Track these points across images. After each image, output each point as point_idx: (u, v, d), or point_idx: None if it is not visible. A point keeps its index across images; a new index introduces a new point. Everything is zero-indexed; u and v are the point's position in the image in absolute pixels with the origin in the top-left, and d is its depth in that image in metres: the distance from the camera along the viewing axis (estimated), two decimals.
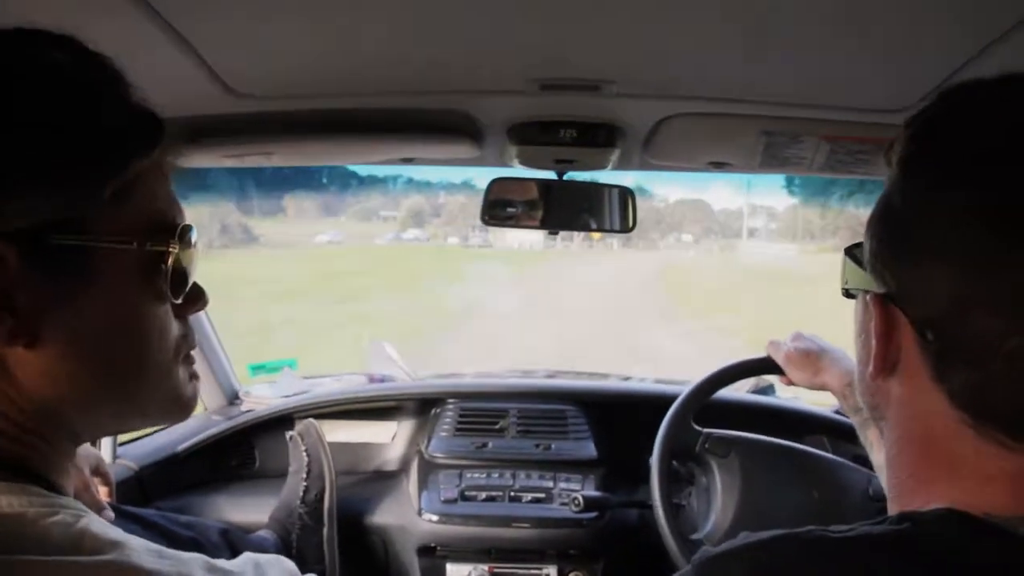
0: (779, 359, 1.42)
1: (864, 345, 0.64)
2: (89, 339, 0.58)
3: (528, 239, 32.62)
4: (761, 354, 1.49)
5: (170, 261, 0.62)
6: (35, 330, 0.55)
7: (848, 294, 0.70)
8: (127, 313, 0.61)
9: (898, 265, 0.59)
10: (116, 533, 0.55)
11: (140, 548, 0.54)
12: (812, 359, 1.37)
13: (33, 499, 0.53)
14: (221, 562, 0.60)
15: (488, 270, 24.37)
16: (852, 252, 0.67)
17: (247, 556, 0.66)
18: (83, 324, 0.58)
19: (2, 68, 0.54)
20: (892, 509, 0.62)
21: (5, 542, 0.50)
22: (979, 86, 0.59)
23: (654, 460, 1.48)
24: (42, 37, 0.56)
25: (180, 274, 0.64)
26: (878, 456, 1.24)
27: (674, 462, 1.54)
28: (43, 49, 0.56)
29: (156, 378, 0.63)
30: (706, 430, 1.52)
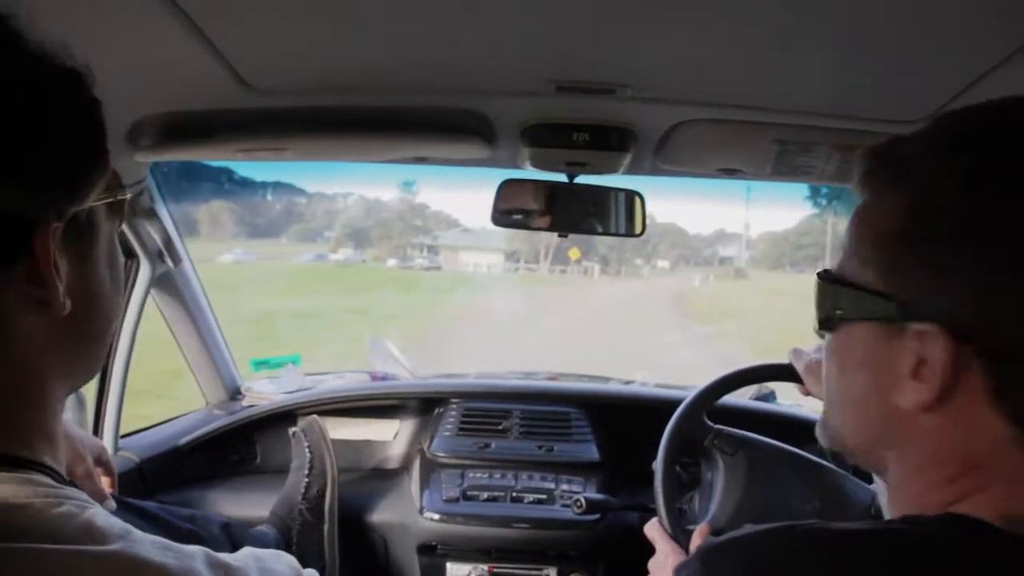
0: (800, 368, 1.41)
1: (878, 378, 0.61)
2: (94, 290, 0.62)
3: (486, 261, 30.42)
4: (783, 360, 1.49)
5: (126, 209, 0.67)
6: (69, 294, 0.57)
7: (826, 325, 0.67)
8: (114, 255, 0.66)
9: (937, 287, 0.56)
10: (121, 525, 0.55)
11: (145, 540, 0.55)
12: None
13: (38, 489, 0.53)
14: (223, 556, 0.60)
15: (408, 300, 20.24)
16: (839, 276, 0.64)
17: (248, 550, 0.66)
18: (90, 283, 0.62)
19: (52, 71, 0.56)
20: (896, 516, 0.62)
21: (12, 531, 0.50)
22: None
23: (660, 453, 1.48)
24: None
25: (122, 209, 0.68)
26: (888, 478, 1.24)
27: (677, 468, 1.54)
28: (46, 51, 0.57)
29: (117, 314, 0.69)
30: (717, 426, 1.52)
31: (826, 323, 0.67)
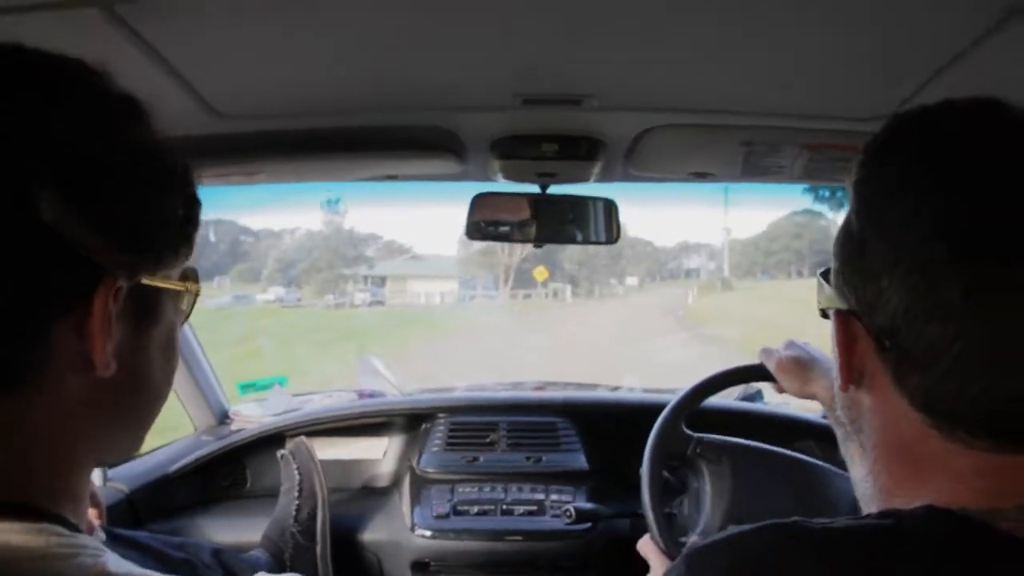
0: (771, 366, 1.42)
1: (836, 360, 0.67)
2: (143, 368, 0.63)
3: (439, 289, 27.36)
4: (755, 361, 1.49)
5: (193, 301, 0.70)
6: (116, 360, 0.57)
7: (824, 315, 0.73)
8: (171, 348, 0.66)
9: (856, 281, 0.62)
10: (139, 570, 0.55)
11: None
12: (803, 368, 1.37)
13: (51, 539, 0.53)
14: None
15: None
16: (825, 275, 0.70)
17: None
18: (143, 355, 0.62)
19: (148, 138, 0.60)
20: (874, 511, 0.64)
21: None
22: (925, 111, 0.63)
23: (645, 465, 1.48)
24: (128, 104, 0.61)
25: (190, 311, 0.71)
26: (857, 470, 1.24)
27: (665, 472, 1.54)
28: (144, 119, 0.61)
29: (162, 404, 0.68)
30: (697, 435, 1.52)
31: (822, 312, 0.73)
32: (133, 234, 0.57)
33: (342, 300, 26.53)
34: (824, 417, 2.03)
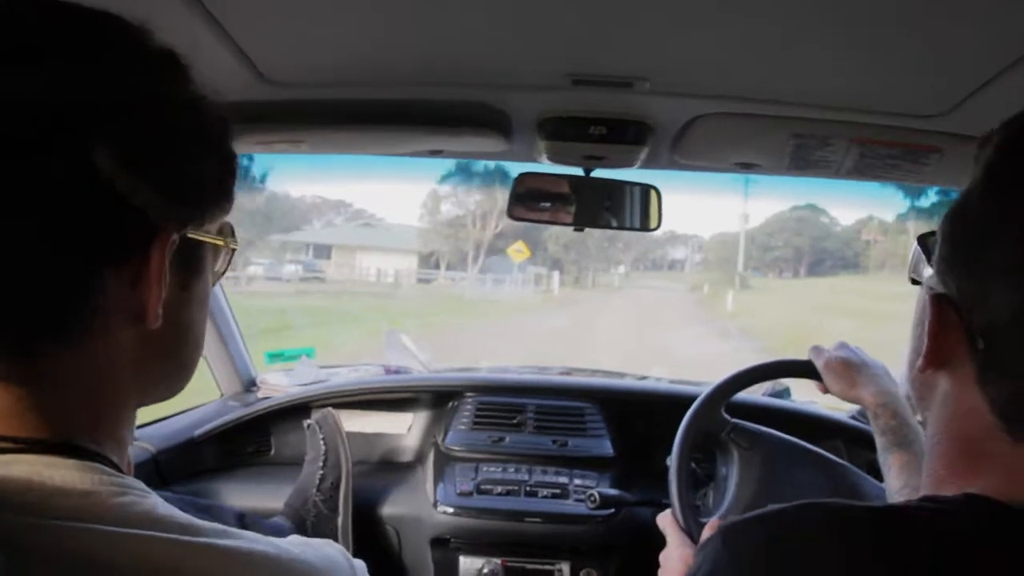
0: (819, 365, 1.41)
1: (919, 337, 0.66)
2: (185, 321, 0.64)
3: (395, 265, 22.69)
4: (803, 357, 1.48)
5: (231, 257, 0.71)
6: (164, 311, 0.59)
7: (915, 281, 0.73)
8: (207, 301, 0.69)
9: (963, 272, 0.60)
10: (183, 515, 0.56)
11: (209, 529, 0.56)
12: (852, 371, 1.35)
13: (102, 477, 0.54)
14: (280, 541, 0.62)
15: None
16: (924, 241, 0.70)
17: (296, 538, 0.67)
18: (186, 308, 0.64)
19: (190, 93, 0.61)
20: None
21: (81, 514, 0.51)
22: None
23: (677, 440, 1.47)
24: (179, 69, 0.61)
25: (226, 268, 0.72)
26: (893, 481, 1.23)
27: (692, 464, 1.53)
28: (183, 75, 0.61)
29: (199, 356, 0.70)
30: (734, 420, 1.51)
31: (912, 279, 0.75)
32: (182, 187, 0.58)
33: (272, 276, 21.24)
34: (853, 418, 2.02)
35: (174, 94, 0.59)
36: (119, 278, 0.55)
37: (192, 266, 0.63)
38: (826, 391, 1.41)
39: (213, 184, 0.63)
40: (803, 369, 1.46)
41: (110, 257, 0.55)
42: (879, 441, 1.28)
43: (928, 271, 0.66)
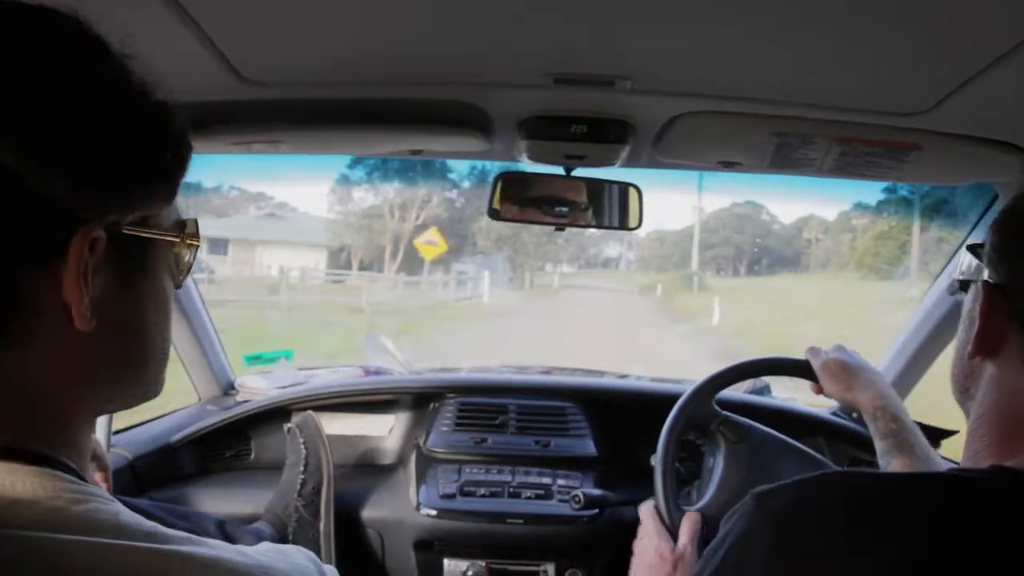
0: (816, 366, 1.41)
1: (967, 330, 0.71)
2: (134, 322, 0.62)
3: (301, 261, 20.54)
4: (800, 357, 1.49)
5: (193, 254, 0.69)
6: (99, 314, 0.56)
7: (962, 286, 0.77)
8: (165, 300, 0.66)
9: (1014, 259, 0.66)
10: (148, 522, 0.55)
11: (174, 537, 0.55)
12: (849, 373, 1.36)
13: (64, 484, 0.53)
14: (248, 549, 0.61)
15: None
16: (974, 248, 0.74)
17: (268, 545, 0.66)
18: (134, 308, 0.62)
19: (116, 76, 0.58)
20: None
21: (44, 524, 0.50)
22: None
23: (666, 428, 1.48)
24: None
25: (189, 265, 0.70)
26: None
27: (676, 463, 1.53)
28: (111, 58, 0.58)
29: (165, 359, 0.68)
30: (725, 412, 1.52)
31: (959, 283, 0.78)
32: (97, 174, 0.55)
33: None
34: (833, 413, 2.03)
35: (92, 78, 0.56)
36: (40, 278, 0.53)
37: (136, 263, 0.61)
38: (820, 392, 1.42)
39: (143, 171, 0.59)
40: (799, 369, 1.47)
41: (30, 256, 0.53)
42: (879, 445, 1.28)
43: (976, 266, 0.71)
